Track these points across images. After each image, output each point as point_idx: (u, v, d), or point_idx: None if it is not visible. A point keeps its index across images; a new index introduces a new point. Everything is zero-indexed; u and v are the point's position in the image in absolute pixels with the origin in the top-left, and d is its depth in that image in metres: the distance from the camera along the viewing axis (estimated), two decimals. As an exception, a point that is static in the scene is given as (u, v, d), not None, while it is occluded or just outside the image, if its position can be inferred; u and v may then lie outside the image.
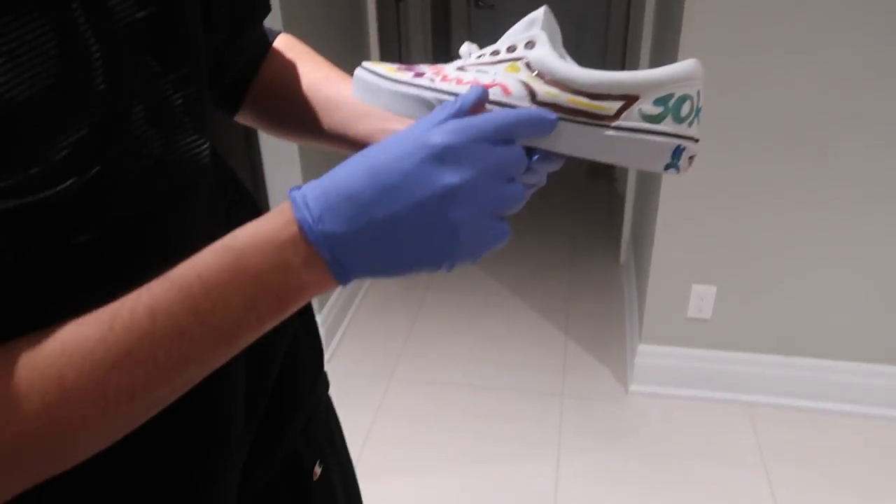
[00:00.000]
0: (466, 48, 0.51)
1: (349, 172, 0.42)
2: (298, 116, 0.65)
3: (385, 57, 2.90)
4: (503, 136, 0.43)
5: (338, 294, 2.41)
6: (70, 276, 0.41)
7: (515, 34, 0.48)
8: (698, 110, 0.48)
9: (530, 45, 0.47)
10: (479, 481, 1.83)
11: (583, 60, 0.46)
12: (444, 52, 3.94)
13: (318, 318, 2.10)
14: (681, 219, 1.91)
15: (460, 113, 0.44)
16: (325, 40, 2.11)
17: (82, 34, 0.40)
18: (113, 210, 0.44)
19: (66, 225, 0.42)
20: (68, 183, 0.40)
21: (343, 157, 0.45)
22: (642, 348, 2.09)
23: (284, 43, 0.69)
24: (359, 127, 0.60)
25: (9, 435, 0.37)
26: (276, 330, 0.62)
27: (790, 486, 1.79)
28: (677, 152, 0.48)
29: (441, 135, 0.42)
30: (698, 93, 0.48)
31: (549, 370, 2.25)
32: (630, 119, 0.46)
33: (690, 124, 0.48)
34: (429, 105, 0.49)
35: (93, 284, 0.40)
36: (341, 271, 0.42)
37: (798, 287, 1.93)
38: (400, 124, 0.54)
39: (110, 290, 0.40)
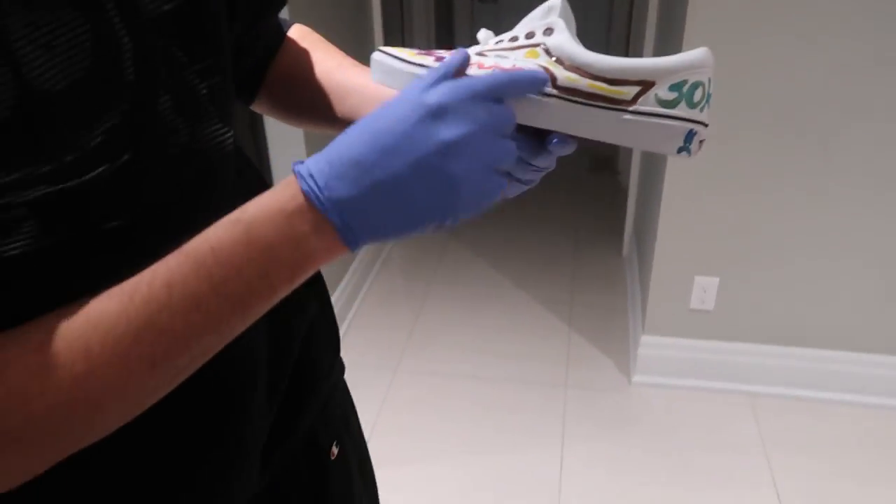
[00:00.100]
0: (484, 34, 0.52)
1: (350, 140, 0.43)
2: (312, 104, 0.66)
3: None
4: (494, 94, 0.45)
5: (343, 287, 2.43)
6: (100, 259, 0.43)
7: (533, 21, 0.50)
8: (709, 96, 0.50)
9: (549, 31, 0.49)
10: (484, 471, 1.85)
11: (587, 48, 0.48)
12: (447, 47, 3.94)
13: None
14: (683, 211, 1.93)
15: (447, 76, 0.46)
16: (329, 33, 2.11)
17: (113, 27, 0.42)
18: (142, 196, 0.46)
19: (97, 211, 0.44)
20: (100, 170, 0.42)
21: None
22: (645, 339, 2.11)
23: (298, 33, 0.71)
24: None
25: (42, 407, 0.39)
26: (296, 315, 0.64)
27: (791, 474, 1.81)
28: (689, 136, 0.49)
29: (436, 95, 0.43)
30: (709, 80, 0.49)
31: (553, 361, 2.26)
32: (646, 104, 0.48)
33: (702, 110, 0.49)
34: None
35: (121, 267, 0.41)
36: (350, 236, 0.43)
37: (799, 278, 1.94)
38: None
39: (138, 272, 0.42)
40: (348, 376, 0.79)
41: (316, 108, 0.65)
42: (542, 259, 2.89)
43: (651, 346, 2.11)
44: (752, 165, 1.83)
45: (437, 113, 0.43)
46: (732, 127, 1.79)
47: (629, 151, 3.06)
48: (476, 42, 0.54)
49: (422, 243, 3.05)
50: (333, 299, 2.29)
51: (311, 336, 0.66)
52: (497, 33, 0.53)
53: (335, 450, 0.70)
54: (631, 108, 0.48)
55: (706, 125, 0.50)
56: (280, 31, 0.69)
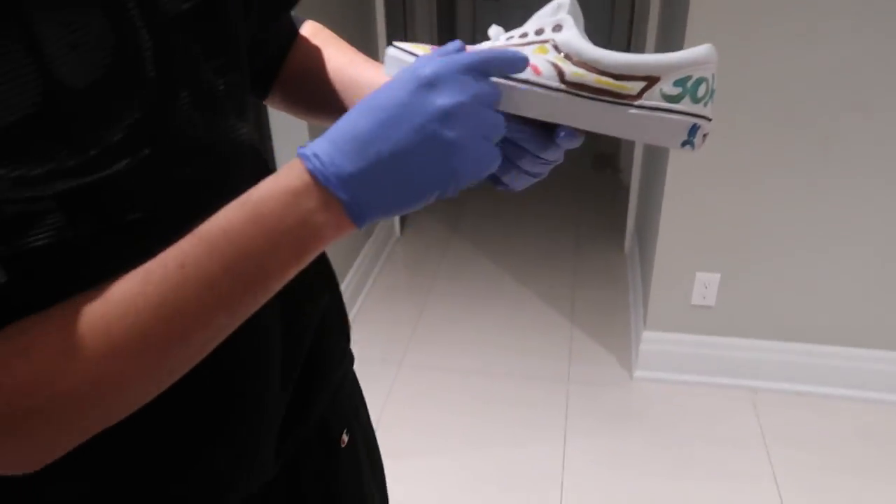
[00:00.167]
0: (495, 31, 0.54)
1: (351, 118, 0.45)
2: (324, 99, 0.68)
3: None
4: (481, 68, 0.47)
5: (347, 283, 2.45)
6: (121, 250, 0.44)
7: (543, 17, 0.51)
8: (712, 92, 0.51)
9: (558, 28, 0.50)
10: (487, 464, 1.86)
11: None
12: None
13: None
14: (685, 207, 1.94)
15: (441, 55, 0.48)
16: (334, 31, 2.13)
17: (135, 25, 0.44)
18: (161, 189, 0.48)
19: (119, 203, 0.45)
20: (122, 164, 0.43)
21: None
22: (647, 335, 2.13)
23: (310, 30, 0.72)
24: None
25: (67, 386, 0.40)
26: (309, 306, 0.65)
27: (791, 468, 1.83)
28: (693, 130, 0.51)
29: (430, 67, 0.45)
30: (713, 76, 0.51)
31: (555, 357, 2.28)
32: (651, 98, 0.49)
33: (706, 104, 0.51)
34: None
35: (141, 258, 0.43)
36: (357, 210, 0.44)
37: (800, 274, 1.96)
38: None
39: None
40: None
41: (328, 104, 0.66)
42: (545, 256, 2.90)
43: (652, 341, 2.12)
44: (752, 162, 1.85)
45: (431, 82, 0.44)
46: (733, 123, 1.80)
47: (630, 150, 3.07)
48: (485, 38, 0.55)
49: (425, 240, 3.06)
50: (337, 295, 2.30)
51: (323, 327, 0.68)
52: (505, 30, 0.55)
53: (345, 437, 0.72)
54: (636, 103, 0.49)
55: (710, 119, 0.52)
56: (293, 28, 0.70)
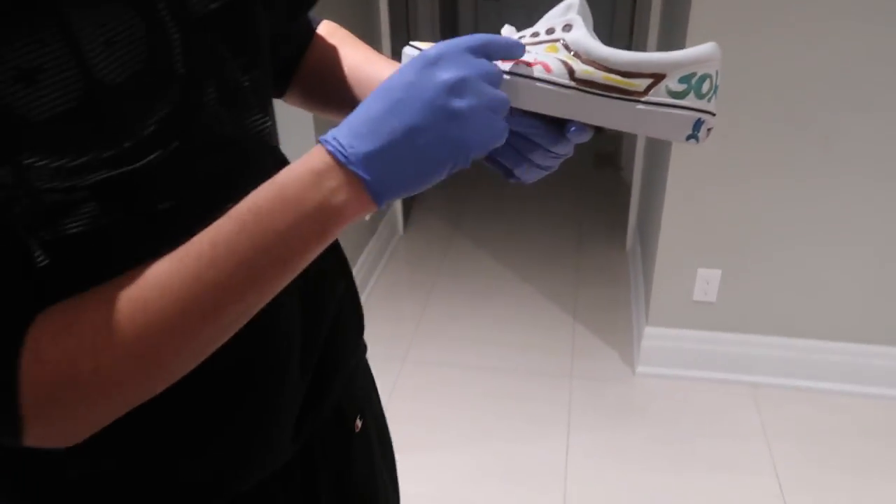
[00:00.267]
0: (508, 30, 0.56)
1: (366, 104, 0.47)
2: (340, 95, 0.70)
3: (395, 49, 2.94)
4: (484, 49, 0.49)
5: (351, 279, 2.47)
6: (151, 237, 0.47)
7: (553, 17, 0.54)
8: (716, 88, 0.54)
9: (567, 27, 0.53)
10: (492, 459, 1.89)
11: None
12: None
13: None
14: (686, 204, 1.96)
15: None
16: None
17: (165, 25, 0.46)
18: (190, 180, 0.50)
19: (149, 193, 0.48)
20: (153, 156, 0.46)
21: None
22: (649, 331, 2.15)
23: (327, 29, 0.75)
24: None
25: (108, 359, 0.43)
26: (327, 296, 0.68)
27: (792, 462, 1.85)
28: (698, 125, 0.53)
29: (434, 49, 0.48)
30: (717, 72, 0.53)
31: (559, 352, 2.30)
32: (657, 95, 0.52)
33: (710, 100, 0.53)
34: None
35: (170, 244, 0.45)
36: (376, 188, 0.46)
37: (800, 271, 1.98)
38: None
39: None
40: (360, 365, 0.82)
41: (344, 100, 0.69)
42: (547, 253, 2.93)
43: (655, 337, 2.15)
44: (754, 159, 1.87)
45: (435, 60, 0.47)
46: (734, 121, 1.82)
47: (632, 148, 3.09)
48: None
49: (428, 237, 3.08)
50: (342, 291, 2.32)
51: (339, 317, 0.70)
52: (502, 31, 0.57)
53: (359, 423, 0.74)
54: (643, 99, 0.52)
55: (714, 114, 0.54)
56: (310, 27, 0.73)
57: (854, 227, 1.90)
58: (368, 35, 2.60)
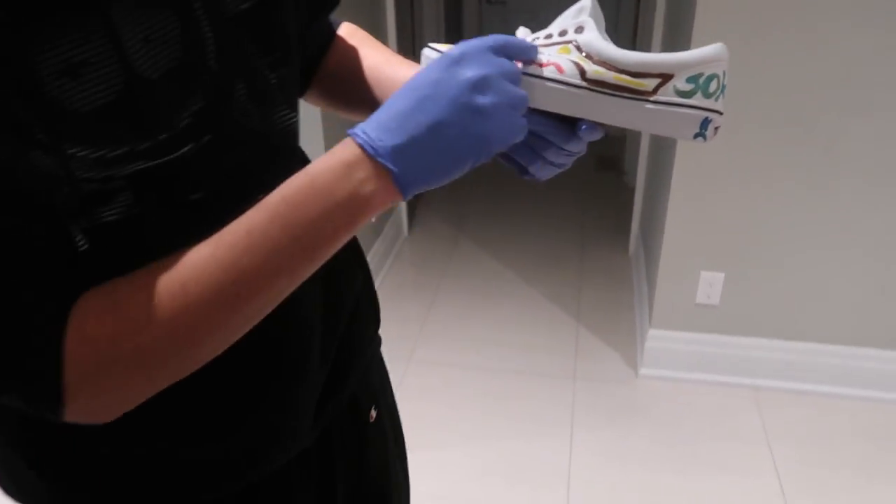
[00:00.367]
0: (522, 31, 0.58)
1: (393, 100, 0.50)
2: (360, 96, 0.72)
3: (401, 50, 2.97)
4: (500, 49, 0.52)
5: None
6: (183, 225, 0.49)
7: (566, 19, 0.56)
8: (723, 87, 0.56)
9: (580, 29, 0.55)
10: (495, 458, 1.90)
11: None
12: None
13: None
14: (690, 207, 1.98)
15: None
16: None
17: (199, 23, 0.49)
18: (220, 172, 0.53)
19: (182, 184, 0.50)
20: (187, 148, 0.48)
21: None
22: (652, 333, 2.17)
23: (346, 30, 0.77)
24: None
25: (149, 338, 0.45)
26: (346, 289, 0.70)
27: (793, 465, 1.87)
28: (705, 123, 0.56)
29: (457, 49, 0.51)
30: (724, 72, 0.56)
31: (562, 354, 2.32)
32: (666, 94, 0.54)
33: (717, 99, 0.56)
34: None
35: (201, 233, 0.47)
36: (403, 179, 0.48)
37: (803, 274, 1.99)
38: None
39: None
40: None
41: (364, 100, 0.71)
42: (550, 256, 2.95)
43: (658, 339, 2.16)
44: (757, 163, 1.89)
45: (458, 59, 0.50)
46: (738, 125, 1.84)
47: (635, 152, 3.11)
48: None
49: (433, 239, 3.11)
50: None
51: (357, 309, 0.73)
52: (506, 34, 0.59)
53: (373, 413, 0.77)
54: (652, 98, 0.54)
55: (721, 113, 0.56)
56: (331, 29, 0.75)
57: (857, 231, 1.92)
58: (374, 36, 2.62)
